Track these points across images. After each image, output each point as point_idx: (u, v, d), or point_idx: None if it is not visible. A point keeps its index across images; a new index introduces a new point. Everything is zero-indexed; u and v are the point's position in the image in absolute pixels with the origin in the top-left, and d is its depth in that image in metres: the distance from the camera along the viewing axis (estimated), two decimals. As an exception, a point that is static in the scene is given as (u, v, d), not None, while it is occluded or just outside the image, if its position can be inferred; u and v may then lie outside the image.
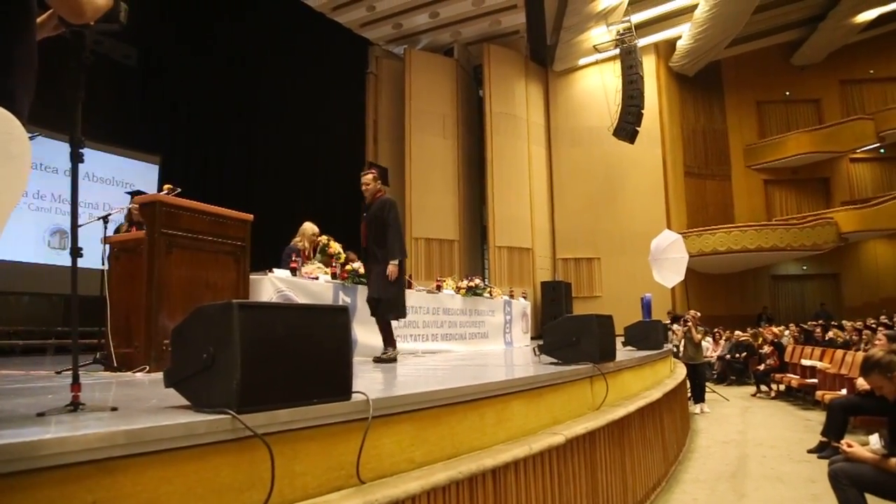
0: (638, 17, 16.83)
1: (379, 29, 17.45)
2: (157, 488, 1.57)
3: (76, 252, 2.09)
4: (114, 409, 1.98)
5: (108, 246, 4.81)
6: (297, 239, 6.88)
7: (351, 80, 17.89)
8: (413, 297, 7.42)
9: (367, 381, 3.22)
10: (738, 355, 13.76)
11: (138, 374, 3.86)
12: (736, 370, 13.86)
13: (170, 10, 12.54)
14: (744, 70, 21.32)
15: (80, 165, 2.18)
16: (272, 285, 5.33)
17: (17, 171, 1.58)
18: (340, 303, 6.14)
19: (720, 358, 14.38)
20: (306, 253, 6.79)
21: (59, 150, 9.41)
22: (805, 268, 20.73)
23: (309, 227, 6.98)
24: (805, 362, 10.18)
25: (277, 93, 15.09)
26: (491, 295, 9.28)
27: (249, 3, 14.73)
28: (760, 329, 14.74)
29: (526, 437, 3.04)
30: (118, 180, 12.17)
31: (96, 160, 11.43)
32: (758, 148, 21.30)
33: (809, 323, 14.90)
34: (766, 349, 12.59)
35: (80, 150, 2.17)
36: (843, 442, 3.67)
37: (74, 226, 2.10)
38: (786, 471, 5.75)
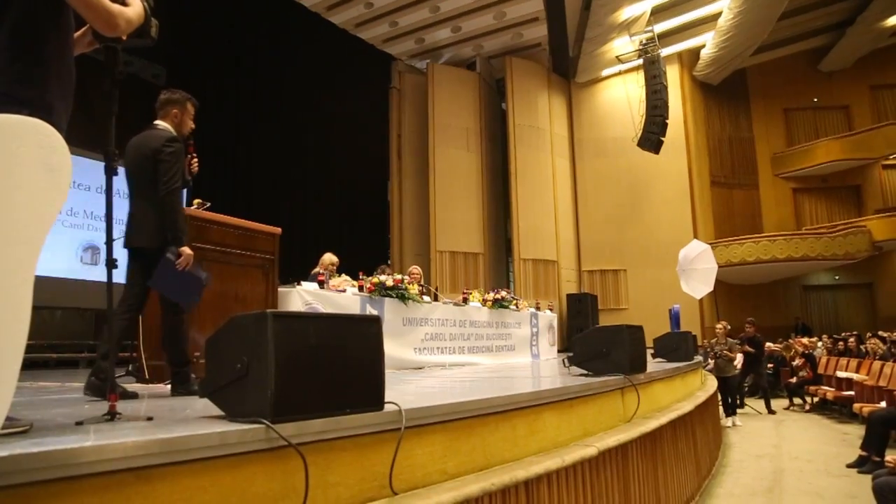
0: (661, 27, 16.74)
1: (401, 44, 17.60)
2: (193, 497, 1.57)
3: (111, 264, 2.12)
4: (149, 418, 2.00)
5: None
6: (318, 269, 6.82)
7: (374, 95, 18.06)
8: (439, 310, 7.42)
9: (396, 393, 3.20)
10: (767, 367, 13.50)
11: (169, 386, 3.89)
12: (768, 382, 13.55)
13: (197, 29, 12.79)
14: (770, 77, 21.07)
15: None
16: (300, 298, 5.35)
17: (57, 183, 1.61)
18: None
19: (751, 370, 14.08)
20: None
21: (90, 168, 9.60)
22: (837, 277, 20.29)
23: (327, 258, 6.95)
24: (841, 374, 9.94)
25: (302, 109, 15.27)
26: (517, 307, 9.21)
27: (274, 22, 14.99)
28: (790, 341, 14.43)
29: (558, 448, 3.00)
30: (148, 197, 12.37)
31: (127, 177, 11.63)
32: (786, 156, 20.99)
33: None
34: (798, 361, 12.32)
35: (114, 164, 2.21)
36: (888, 458, 3.57)
37: (110, 238, 2.13)
38: (824, 486, 5.60)
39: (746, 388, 13.60)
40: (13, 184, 1.50)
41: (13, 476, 1.26)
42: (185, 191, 3.73)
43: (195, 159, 3.82)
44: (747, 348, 10.77)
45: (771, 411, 10.82)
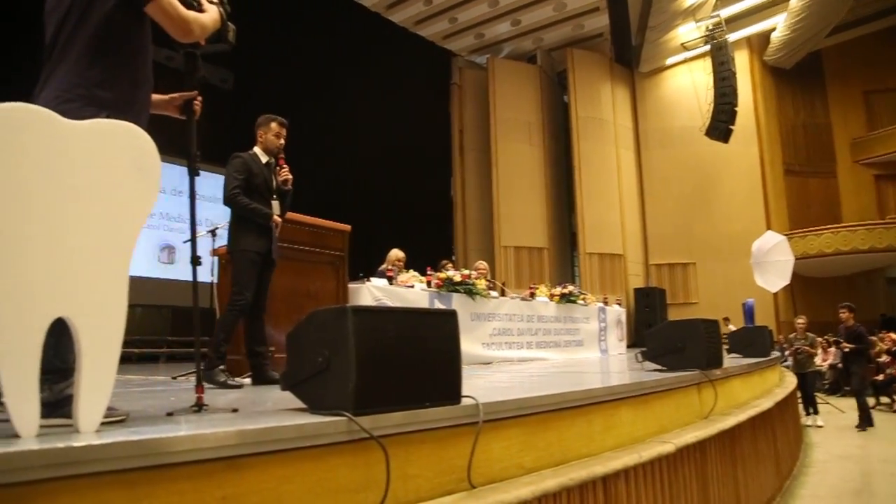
0: (728, 11, 16.13)
1: (461, 40, 17.61)
2: (279, 486, 1.61)
3: (196, 261, 2.19)
4: (234, 410, 2.06)
5: (216, 259, 5.05)
6: (385, 266, 6.86)
7: (435, 91, 18.15)
8: (507, 305, 7.38)
9: (468, 387, 3.18)
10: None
11: (246, 380, 4.01)
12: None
13: (261, 34, 13.14)
14: (848, 59, 19.92)
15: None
16: (370, 293, 5.42)
17: (148, 184, 1.68)
18: (434, 311, 6.17)
19: (832, 367, 13.47)
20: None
21: (166, 171, 10.02)
22: (926, 269, 19.12)
23: (394, 255, 6.99)
24: (932, 371, 9.35)
25: (366, 108, 15.50)
26: (585, 302, 9.08)
27: (336, 24, 15.26)
28: (875, 337, 13.66)
29: (634, 444, 2.94)
30: (220, 198, 12.82)
31: (200, 179, 12.10)
32: (867, 141, 19.85)
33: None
34: (885, 358, 11.68)
35: (196, 165, 2.29)
36: None
37: (194, 235, 2.21)
38: (918, 489, 5.29)
39: (826, 385, 13.01)
40: (109, 185, 1.57)
41: (117, 462, 1.32)
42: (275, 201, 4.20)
43: (283, 169, 4.09)
44: (845, 345, 9.48)
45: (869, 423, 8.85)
